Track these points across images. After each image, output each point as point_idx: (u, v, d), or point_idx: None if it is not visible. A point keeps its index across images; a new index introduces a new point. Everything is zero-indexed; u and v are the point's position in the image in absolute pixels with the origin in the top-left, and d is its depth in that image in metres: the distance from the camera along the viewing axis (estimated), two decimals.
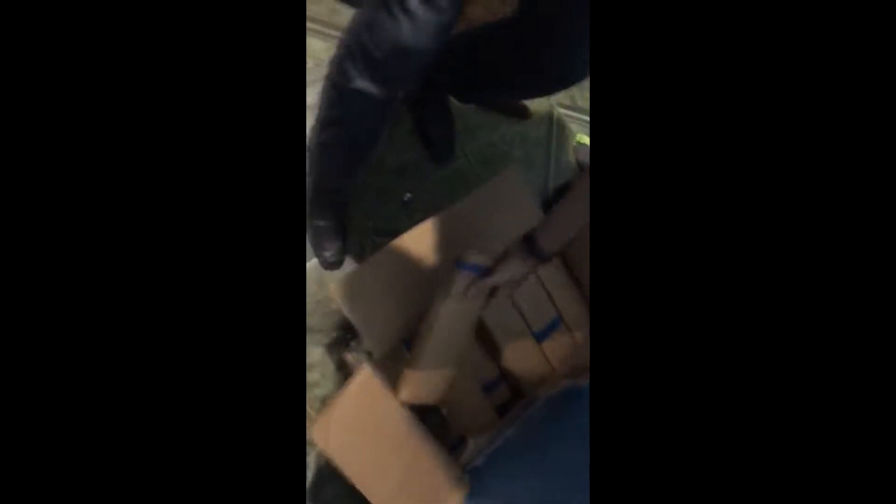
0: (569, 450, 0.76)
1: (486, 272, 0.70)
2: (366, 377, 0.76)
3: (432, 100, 1.02)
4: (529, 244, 0.66)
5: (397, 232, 1.01)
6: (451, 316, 0.72)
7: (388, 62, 0.63)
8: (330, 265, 0.93)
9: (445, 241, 0.86)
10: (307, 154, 0.85)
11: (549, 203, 1.13)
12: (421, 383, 0.76)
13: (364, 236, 0.99)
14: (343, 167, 0.87)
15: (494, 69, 0.81)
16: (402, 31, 0.60)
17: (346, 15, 1.06)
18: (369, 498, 0.71)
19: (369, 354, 0.81)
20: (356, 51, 0.65)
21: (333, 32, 1.03)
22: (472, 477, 0.81)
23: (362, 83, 0.67)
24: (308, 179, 0.88)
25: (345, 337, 0.94)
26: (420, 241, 0.85)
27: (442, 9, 0.58)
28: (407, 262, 0.84)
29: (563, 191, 1.14)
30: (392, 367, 0.80)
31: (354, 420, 0.73)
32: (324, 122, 0.79)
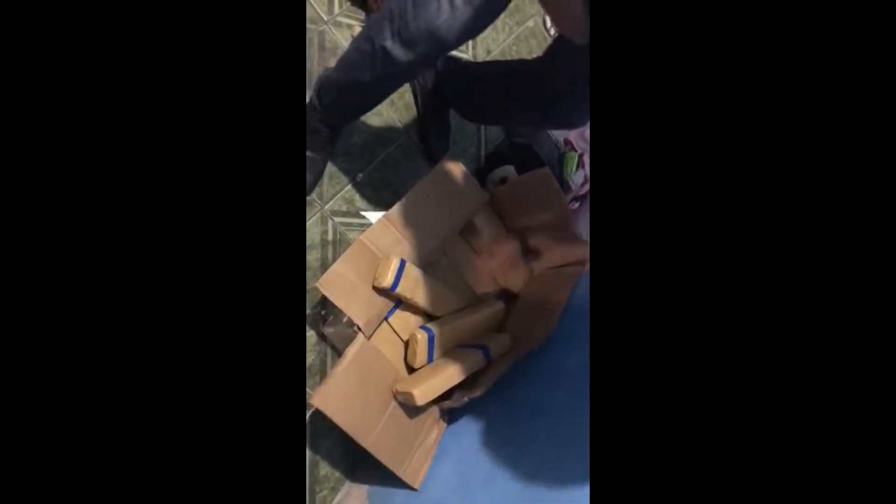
0: (530, 391, 0.97)
1: None
2: (362, 344, 0.90)
3: (439, 116, 1.14)
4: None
5: (354, 212, 1.10)
6: None
7: (418, 40, 0.70)
8: None
9: (403, 230, 0.99)
10: (317, 81, 0.93)
11: (483, 170, 1.26)
12: None
13: (324, 219, 1.06)
14: (343, 110, 0.95)
15: (504, 105, 0.91)
16: (440, 20, 0.66)
17: None
18: (361, 443, 0.87)
19: (352, 327, 0.94)
20: (396, 17, 0.71)
21: None
22: (451, 416, 1.01)
23: (392, 46, 0.73)
24: (309, 105, 0.96)
25: (320, 314, 1.05)
26: (381, 234, 0.97)
27: (480, 9, 0.66)
28: (374, 254, 0.95)
29: (494, 157, 1.27)
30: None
31: (350, 382, 0.87)
32: (344, 65, 0.86)
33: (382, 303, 0.95)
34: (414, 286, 0.95)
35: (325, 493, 1.02)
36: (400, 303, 0.99)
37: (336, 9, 1.11)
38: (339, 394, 0.85)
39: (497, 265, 1.06)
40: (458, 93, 1.05)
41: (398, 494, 0.94)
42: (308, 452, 1.01)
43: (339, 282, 0.90)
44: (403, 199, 0.98)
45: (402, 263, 0.94)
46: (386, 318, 0.98)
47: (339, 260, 0.91)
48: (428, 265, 1.02)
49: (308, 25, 1.07)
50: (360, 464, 1.05)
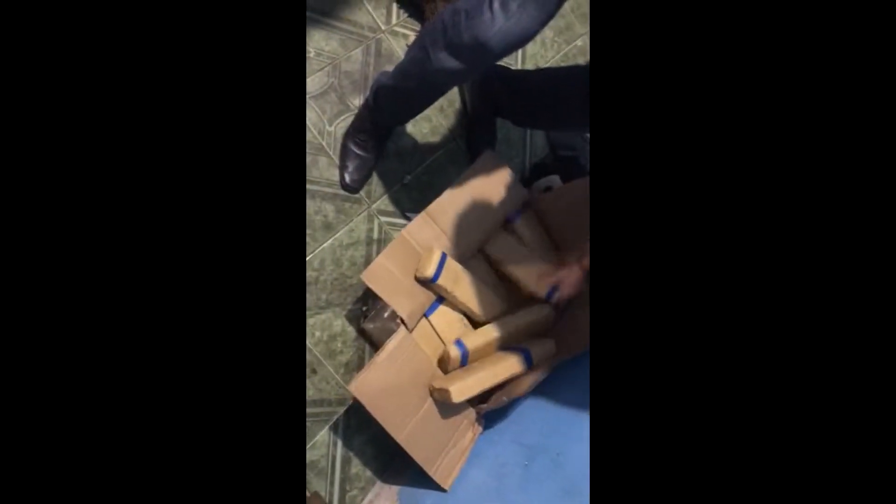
0: (571, 394, 0.95)
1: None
2: (404, 336, 0.90)
3: (486, 124, 1.17)
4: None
5: (399, 211, 1.12)
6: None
7: (467, 50, 0.72)
8: (345, 185, 1.05)
9: (443, 225, 1.00)
10: (373, 84, 0.99)
11: (527, 179, 1.27)
12: None
13: (371, 217, 1.09)
14: (394, 113, 1.00)
15: (556, 108, 0.93)
16: (491, 32, 0.68)
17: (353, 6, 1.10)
18: (394, 436, 0.86)
19: (394, 320, 0.94)
20: (449, 27, 0.73)
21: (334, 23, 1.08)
22: (488, 420, 0.99)
23: (443, 56, 0.76)
24: (364, 105, 1.02)
25: (361, 309, 1.05)
26: (422, 228, 0.98)
27: (533, 17, 0.69)
28: (415, 249, 0.96)
29: (539, 167, 1.28)
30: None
31: (389, 373, 0.87)
32: (398, 70, 0.90)
33: (424, 296, 0.95)
34: (455, 279, 0.95)
35: (354, 492, 1.01)
36: (441, 300, 0.99)
37: (394, 19, 1.16)
38: (377, 384, 0.85)
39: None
40: (509, 98, 1.07)
41: (429, 496, 0.92)
42: (340, 449, 1.01)
43: (382, 274, 0.91)
44: (444, 194, 0.99)
45: (444, 256, 0.94)
46: (426, 316, 0.97)
47: (382, 253, 0.92)
48: (467, 260, 1.02)
49: (366, 33, 1.12)
50: (390, 464, 1.04)
